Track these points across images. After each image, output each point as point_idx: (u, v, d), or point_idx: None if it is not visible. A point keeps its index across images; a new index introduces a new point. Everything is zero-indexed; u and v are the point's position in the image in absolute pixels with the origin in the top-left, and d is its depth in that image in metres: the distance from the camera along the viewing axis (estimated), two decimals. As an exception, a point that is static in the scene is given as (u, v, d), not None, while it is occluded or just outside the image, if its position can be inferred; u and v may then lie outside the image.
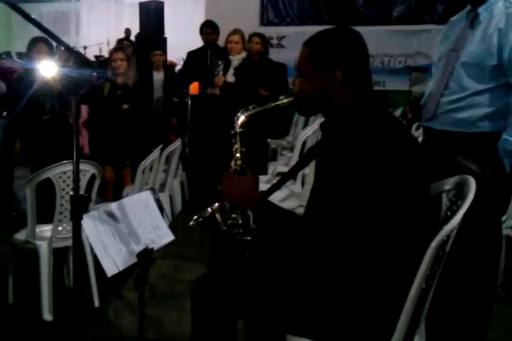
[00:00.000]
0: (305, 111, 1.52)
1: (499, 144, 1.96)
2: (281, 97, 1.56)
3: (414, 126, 2.69)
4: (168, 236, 1.78)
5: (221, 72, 4.23)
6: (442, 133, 2.08)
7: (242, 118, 1.54)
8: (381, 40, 5.97)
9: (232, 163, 1.53)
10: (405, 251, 1.32)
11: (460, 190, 1.47)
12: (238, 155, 1.53)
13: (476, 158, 2.00)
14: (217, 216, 1.58)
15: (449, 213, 1.51)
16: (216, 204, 1.58)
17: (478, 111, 1.98)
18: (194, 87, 4.54)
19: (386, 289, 1.32)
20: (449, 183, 1.54)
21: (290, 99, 1.53)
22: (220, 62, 4.24)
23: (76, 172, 1.53)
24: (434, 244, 1.29)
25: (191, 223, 1.60)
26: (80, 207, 1.54)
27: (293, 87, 1.51)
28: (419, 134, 2.73)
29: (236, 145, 1.54)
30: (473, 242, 2.02)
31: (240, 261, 1.56)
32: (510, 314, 2.54)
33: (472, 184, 1.43)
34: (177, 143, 3.68)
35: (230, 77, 4.25)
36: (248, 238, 1.54)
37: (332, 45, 1.38)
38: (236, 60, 4.28)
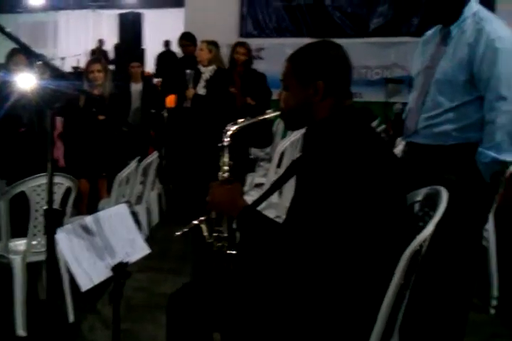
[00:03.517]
0: (291, 124, 1.55)
1: (476, 156, 2.01)
2: (269, 111, 1.60)
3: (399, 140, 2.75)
4: (144, 250, 1.76)
5: (192, 84, 4.22)
6: (423, 147, 2.13)
7: (231, 131, 1.56)
8: (358, 52, 6.02)
9: (220, 175, 1.56)
10: (380, 262, 1.34)
11: (431, 201, 1.50)
12: (226, 167, 1.55)
13: (455, 169, 2.05)
14: (203, 228, 1.58)
15: (421, 224, 1.53)
16: (202, 216, 1.59)
17: (453, 125, 2.04)
18: (170, 100, 4.54)
19: (361, 299, 1.34)
20: (420, 194, 1.56)
21: (277, 112, 1.56)
22: (191, 74, 4.23)
23: (50, 185, 1.52)
24: (406, 253, 1.31)
25: (177, 234, 1.60)
26: (53, 220, 1.52)
27: (279, 100, 1.53)
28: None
29: (224, 158, 1.56)
30: (452, 252, 2.05)
31: (222, 274, 1.56)
32: (484, 322, 2.57)
33: (444, 194, 1.46)
34: (154, 155, 3.67)
35: (201, 90, 4.25)
36: (233, 252, 1.55)
37: (313, 56, 1.43)
38: (207, 72, 4.28)
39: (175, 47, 5.47)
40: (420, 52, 2.24)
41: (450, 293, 2.14)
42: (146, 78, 5.19)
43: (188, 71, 4.29)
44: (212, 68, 4.30)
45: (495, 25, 1.98)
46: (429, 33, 2.24)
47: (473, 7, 2.03)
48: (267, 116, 1.60)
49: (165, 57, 8.14)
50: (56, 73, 1.52)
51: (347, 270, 1.31)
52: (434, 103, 2.07)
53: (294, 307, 1.37)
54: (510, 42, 1.95)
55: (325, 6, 6.69)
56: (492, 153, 1.97)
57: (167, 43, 9.14)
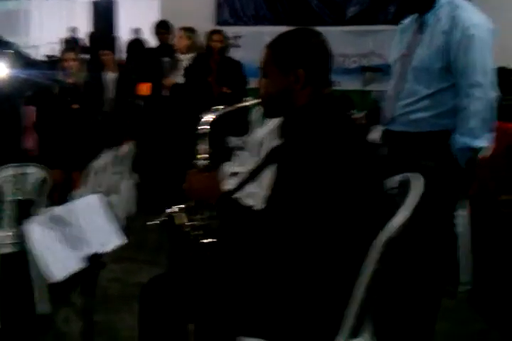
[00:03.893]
0: (271, 111, 1.55)
1: (450, 142, 2.02)
2: (248, 99, 1.60)
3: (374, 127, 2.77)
4: (119, 240, 1.74)
5: (170, 73, 4.17)
6: (400, 134, 2.15)
7: (209, 118, 1.55)
8: (336, 40, 5.94)
9: (197, 162, 1.54)
10: (357, 248, 1.35)
11: (406, 188, 1.50)
12: (204, 155, 1.54)
13: (432, 155, 2.07)
14: (179, 216, 1.57)
15: (397, 210, 1.53)
16: (178, 204, 1.58)
17: (430, 112, 2.05)
18: (143, 88, 4.48)
19: (336, 284, 1.36)
20: (395, 181, 1.57)
21: (257, 100, 1.56)
22: (168, 63, 4.18)
23: (20, 176, 1.49)
24: (379, 240, 1.32)
25: (150, 223, 1.58)
26: (23, 212, 1.49)
27: (259, 87, 1.52)
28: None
29: (202, 145, 1.55)
30: (426, 237, 2.08)
31: (198, 264, 1.55)
32: (456, 308, 2.61)
33: (417, 181, 1.46)
34: (130, 144, 3.62)
35: (179, 78, 4.19)
36: (210, 240, 1.54)
37: (293, 44, 1.42)
38: (186, 59, 4.23)
39: (147, 35, 5.36)
40: (397, 40, 2.24)
41: (423, 279, 2.17)
42: (121, 66, 5.09)
43: (165, 59, 4.23)
44: (191, 56, 4.25)
45: (470, 13, 1.99)
46: (406, 21, 2.24)
47: None
48: (246, 104, 1.60)
49: (134, 45, 8.01)
50: (27, 61, 1.48)
51: (324, 256, 1.33)
52: (411, 90, 2.08)
53: (270, 296, 1.37)
54: (484, 30, 1.97)
55: (302, -6, 6.66)
56: (466, 140, 1.99)
57: (136, 31, 9.01)
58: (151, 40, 5.16)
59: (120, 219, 3.64)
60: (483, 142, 2.02)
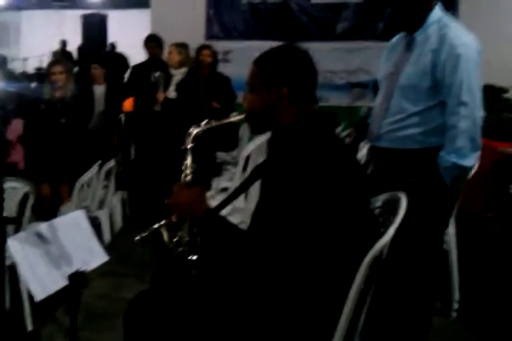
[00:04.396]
0: (256, 128, 1.55)
1: (437, 160, 2.03)
2: (233, 114, 1.60)
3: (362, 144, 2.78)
4: (102, 257, 1.72)
5: (163, 88, 4.18)
6: (386, 151, 2.16)
7: (194, 134, 1.55)
8: (324, 57, 6.03)
9: (183, 178, 1.54)
10: (343, 267, 1.34)
11: (391, 207, 1.50)
12: (189, 170, 1.54)
13: (418, 173, 2.08)
14: (164, 233, 1.55)
15: (382, 229, 1.53)
16: (163, 220, 1.56)
17: (417, 129, 2.06)
18: (128, 104, 4.47)
19: (323, 304, 1.34)
20: (380, 200, 1.57)
21: (241, 116, 1.56)
22: (161, 77, 4.18)
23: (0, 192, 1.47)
24: (367, 259, 1.32)
25: (137, 238, 1.56)
26: (2, 228, 1.48)
27: (243, 102, 1.53)
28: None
29: (187, 161, 1.55)
30: (414, 256, 2.08)
31: (184, 281, 1.53)
32: (446, 326, 2.60)
33: (403, 200, 1.46)
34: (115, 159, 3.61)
35: (172, 93, 4.20)
36: (194, 257, 1.53)
37: (279, 61, 1.43)
38: (178, 74, 4.24)
39: (137, 49, 5.35)
40: (385, 58, 2.26)
41: (413, 298, 2.16)
42: (110, 80, 5.08)
43: (157, 74, 4.23)
44: (183, 70, 4.26)
45: (458, 32, 2.01)
46: (394, 39, 2.26)
47: (437, 13, 2.06)
48: (231, 120, 1.60)
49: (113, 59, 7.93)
50: (10, 75, 1.47)
51: (310, 275, 1.31)
52: (399, 108, 2.09)
53: (257, 313, 1.36)
54: (472, 49, 1.99)
55: (292, 10, 6.73)
56: (453, 158, 2.00)
57: (112, 45, 9.00)
58: (142, 54, 5.15)
59: (106, 234, 3.62)
60: (471, 161, 2.03)
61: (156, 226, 1.55)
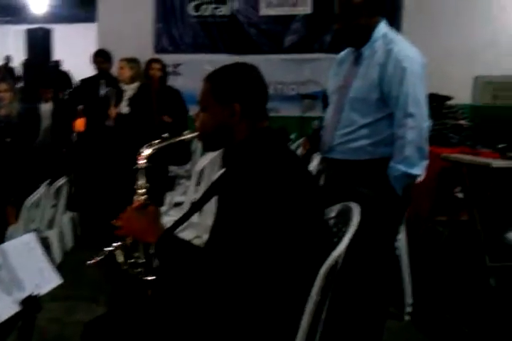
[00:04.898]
0: (209, 145, 1.55)
1: (388, 170, 2.09)
2: (186, 132, 1.59)
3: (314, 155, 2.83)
4: (55, 280, 1.67)
5: (114, 103, 4.13)
6: (339, 162, 2.20)
7: (146, 153, 1.54)
8: (274, 68, 6.16)
9: (135, 198, 1.52)
10: (299, 280, 1.35)
11: (345, 217, 1.54)
12: (141, 191, 1.52)
13: (369, 183, 2.13)
14: (118, 255, 1.53)
15: (336, 239, 1.56)
16: (116, 242, 1.53)
17: (368, 141, 2.12)
18: (80, 124, 4.39)
19: (281, 317, 1.34)
20: (334, 211, 1.60)
21: (194, 134, 1.56)
22: (111, 93, 4.13)
23: None
24: (322, 271, 1.34)
25: (89, 263, 1.53)
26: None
27: (195, 121, 1.53)
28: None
29: (139, 181, 1.53)
30: (368, 263, 2.12)
31: (140, 303, 1.51)
32: (400, 329, 2.66)
33: (356, 210, 1.50)
34: (65, 178, 3.52)
35: (124, 108, 4.15)
36: (150, 278, 1.51)
37: (231, 78, 1.44)
38: (130, 90, 4.20)
39: (85, 63, 5.26)
40: (334, 72, 2.32)
41: (367, 303, 2.20)
42: (57, 97, 4.99)
43: (108, 89, 4.17)
44: (135, 85, 4.22)
45: (403, 46, 2.08)
46: (342, 53, 2.32)
47: (383, 29, 2.13)
48: (183, 138, 1.59)
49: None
50: None
51: (267, 289, 1.31)
52: (349, 120, 2.15)
53: (216, 328, 1.35)
54: (416, 62, 2.06)
55: (240, 23, 6.79)
56: (402, 167, 2.06)
57: (7, 58, 8.82)
58: (89, 68, 5.06)
59: (57, 255, 3.51)
60: (419, 170, 2.09)
61: (110, 249, 1.52)
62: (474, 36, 6.10)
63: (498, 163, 3.05)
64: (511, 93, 6.03)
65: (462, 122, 4.56)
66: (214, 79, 1.47)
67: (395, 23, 6.06)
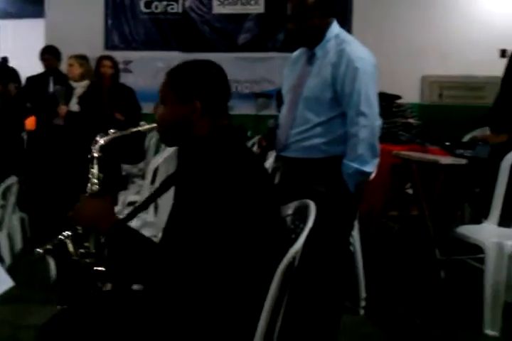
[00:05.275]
0: (167, 139, 1.53)
1: (341, 168, 2.13)
2: (143, 123, 1.58)
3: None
4: (7, 283, 1.62)
5: (63, 101, 4.03)
6: (294, 161, 2.23)
7: (100, 142, 1.52)
8: (228, 67, 6.11)
9: (88, 187, 1.50)
10: (257, 276, 1.36)
11: (301, 214, 1.56)
12: (95, 180, 1.50)
13: (324, 181, 2.16)
14: (69, 244, 1.49)
15: (293, 236, 1.58)
16: (67, 232, 1.49)
17: (322, 139, 2.15)
18: (30, 122, 4.27)
19: (239, 314, 1.35)
20: (290, 208, 1.62)
21: (152, 125, 1.54)
22: (60, 90, 4.04)
23: None
24: (280, 267, 1.35)
25: (38, 250, 1.48)
26: None
27: (155, 113, 1.51)
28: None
29: (93, 170, 1.51)
30: (323, 259, 2.15)
31: (91, 295, 1.48)
32: (355, 323, 2.72)
33: (312, 207, 1.52)
34: (14, 178, 3.40)
35: (74, 106, 4.06)
36: (102, 268, 1.48)
37: (192, 75, 1.43)
38: (80, 87, 4.11)
39: (33, 61, 5.10)
40: (288, 71, 2.34)
41: (323, 298, 2.24)
42: (5, 94, 4.81)
43: (57, 87, 4.07)
44: (85, 83, 4.13)
45: (354, 47, 2.13)
46: (296, 53, 2.35)
47: (335, 29, 2.17)
48: (141, 129, 1.58)
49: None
50: None
51: (225, 285, 1.32)
52: (303, 118, 2.17)
53: (173, 325, 1.34)
54: (368, 62, 2.11)
55: (193, 21, 6.75)
56: (355, 165, 2.10)
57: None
58: (36, 66, 4.91)
59: (6, 257, 3.39)
60: (371, 167, 2.14)
61: (61, 237, 1.48)
62: (421, 36, 6.30)
63: (445, 160, 3.16)
64: (456, 92, 6.26)
65: (411, 120, 4.69)
66: (175, 75, 1.46)
67: (346, 24, 6.18)
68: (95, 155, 1.52)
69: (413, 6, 6.33)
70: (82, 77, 4.17)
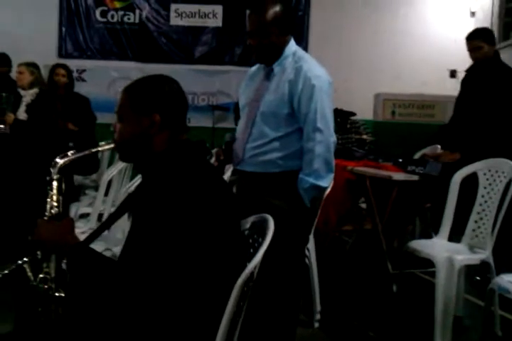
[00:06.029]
0: (126, 156, 1.52)
1: (297, 183, 2.15)
2: (102, 143, 1.56)
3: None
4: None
5: (10, 109, 3.89)
6: (250, 175, 2.23)
7: (60, 163, 1.50)
8: (184, 79, 6.09)
9: (48, 211, 1.47)
10: (216, 291, 1.34)
11: (260, 228, 1.55)
12: (54, 203, 1.48)
13: (280, 195, 2.17)
14: (27, 269, 1.47)
15: (251, 250, 1.57)
16: (26, 256, 1.48)
17: (278, 154, 2.17)
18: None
19: (197, 329, 1.33)
20: (249, 222, 1.62)
21: (111, 145, 1.53)
22: (7, 98, 3.90)
23: None
24: (239, 282, 1.34)
25: None
26: None
27: (113, 131, 1.50)
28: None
29: (52, 193, 1.48)
30: (279, 272, 2.15)
31: (50, 319, 1.44)
32: (312, 336, 2.73)
33: (270, 222, 1.52)
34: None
35: (22, 114, 3.94)
36: (62, 294, 1.45)
37: (150, 89, 1.43)
38: (28, 95, 4.00)
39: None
40: (246, 86, 2.36)
41: (278, 311, 2.24)
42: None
43: (3, 94, 3.93)
44: (34, 91, 4.01)
45: (311, 65, 2.17)
46: (254, 68, 2.38)
47: (292, 47, 2.21)
48: (100, 149, 1.57)
49: None
50: None
51: (183, 302, 1.30)
52: (260, 133, 2.19)
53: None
54: (324, 80, 2.15)
55: (150, 31, 6.71)
56: (311, 180, 2.13)
57: None
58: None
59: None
60: (327, 182, 2.18)
61: (19, 262, 1.45)
62: (375, 55, 6.51)
63: (398, 176, 3.24)
64: (408, 110, 6.48)
65: (365, 137, 4.82)
66: (132, 90, 1.45)
67: (302, 42, 6.31)
68: (54, 177, 1.50)
69: (368, 27, 6.54)
70: (31, 85, 4.06)
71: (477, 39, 3.42)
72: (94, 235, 1.55)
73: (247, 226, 1.63)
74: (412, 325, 2.86)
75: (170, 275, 1.27)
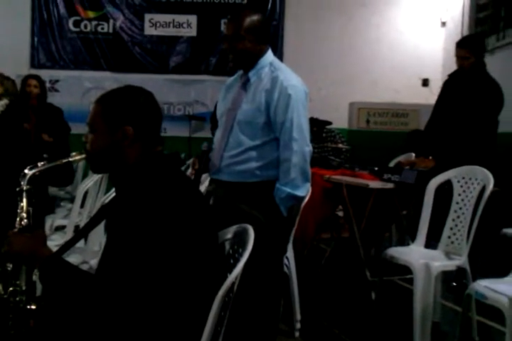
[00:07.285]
0: (98, 167, 1.50)
1: (274, 192, 2.16)
2: (74, 154, 1.55)
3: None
4: None
5: None
6: (227, 184, 2.23)
7: (29, 175, 1.49)
8: (160, 88, 6.14)
9: (17, 222, 1.46)
10: (196, 302, 1.33)
11: (240, 239, 1.55)
12: (24, 214, 1.47)
13: (257, 205, 2.18)
14: None
15: (232, 261, 1.57)
16: None
17: (254, 163, 2.18)
18: None
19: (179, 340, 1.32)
20: (230, 232, 1.61)
21: (82, 155, 1.51)
22: None
23: None
24: (220, 293, 1.33)
25: None
26: None
27: (85, 142, 1.48)
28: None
29: (22, 204, 1.47)
30: (258, 282, 2.15)
31: (21, 334, 1.42)
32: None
33: (251, 232, 1.52)
34: None
35: None
36: (33, 307, 1.43)
37: (123, 101, 1.41)
38: None
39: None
40: (223, 95, 2.37)
41: (258, 320, 2.23)
42: None
43: None
44: (3, 103, 3.95)
45: (287, 75, 2.19)
46: (231, 79, 2.39)
47: (269, 57, 2.23)
48: (71, 159, 1.55)
49: None
50: None
51: (163, 313, 1.29)
52: (237, 142, 2.20)
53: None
54: (300, 90, 2.18)
55: (124, 41, 6.68)
56: (288, 189, 2.14)
57: None
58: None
59: None
60: (303, 191, 2.19)
61: None
62: (350, 65, 6.59)
63: (374, 184, 3.28)
64: (382, 118, 6.56)
65: (341, 145, 4.85)
66: (105, 101, 1.43)
67: (277, 51, 6.36)
68: (24, 188, 1.49)
69: (343, 36, 6.63)
70: (1, 96, 4.00)
71: (465, 49, 3.38)
72: (67, 246, 1.53)
73: (228, 236, 1.63)
74: (391, 331, 2.88)
75: (149, 288, 1.25)
